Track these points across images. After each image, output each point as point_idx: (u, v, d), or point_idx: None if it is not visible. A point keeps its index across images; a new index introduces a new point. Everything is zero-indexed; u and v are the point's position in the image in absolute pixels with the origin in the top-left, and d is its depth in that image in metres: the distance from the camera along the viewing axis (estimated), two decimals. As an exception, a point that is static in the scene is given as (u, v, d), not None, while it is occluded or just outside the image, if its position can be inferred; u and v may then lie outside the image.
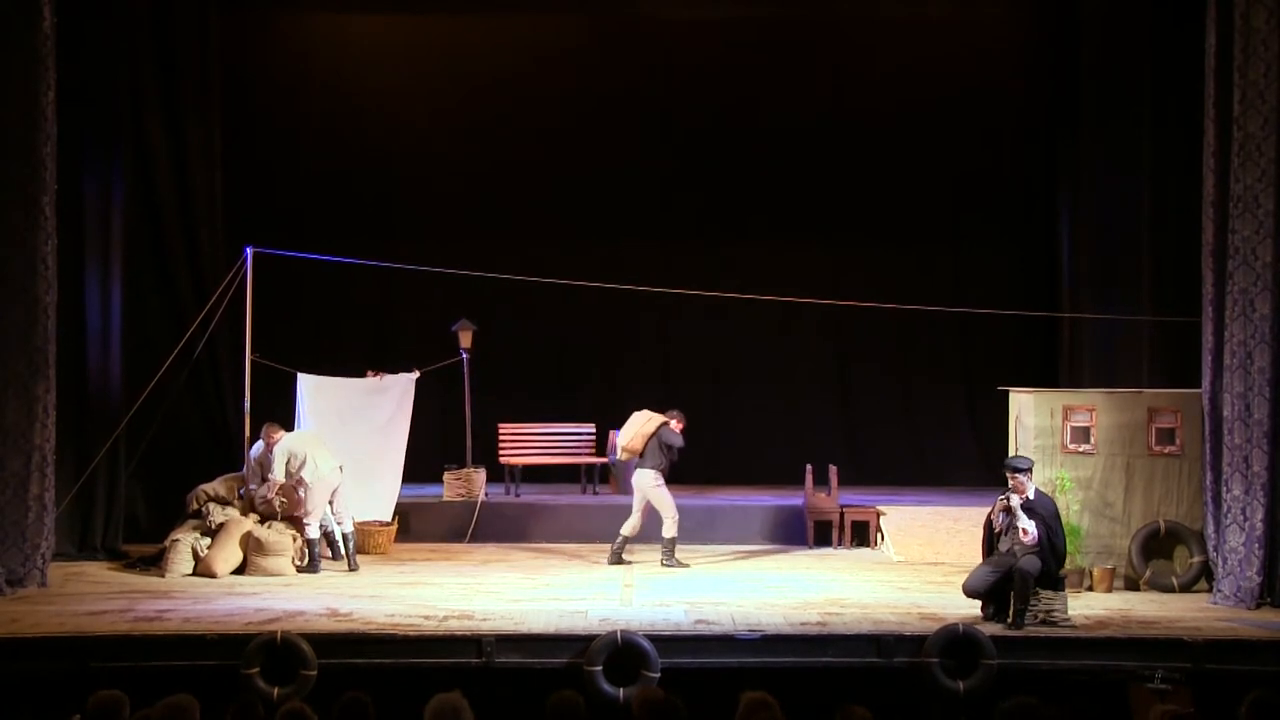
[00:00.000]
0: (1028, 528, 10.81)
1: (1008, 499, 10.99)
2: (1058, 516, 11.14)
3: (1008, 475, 11.10)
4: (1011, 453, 13.23)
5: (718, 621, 10.86)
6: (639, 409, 14.20)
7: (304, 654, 9.91)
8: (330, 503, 13.51)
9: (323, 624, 10.69)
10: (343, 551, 13.67)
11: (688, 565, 13.82)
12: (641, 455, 13.94)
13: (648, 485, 13.89)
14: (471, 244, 17.29)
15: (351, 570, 13.28)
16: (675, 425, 14.00)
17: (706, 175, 18.20)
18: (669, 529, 13.90)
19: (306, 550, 13.34)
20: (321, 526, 13.65)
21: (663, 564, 13.82)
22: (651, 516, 13.95)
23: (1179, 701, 9.81)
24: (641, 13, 18.00)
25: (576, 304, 17.22)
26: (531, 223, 17.93)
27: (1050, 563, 10.89)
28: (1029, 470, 11.14)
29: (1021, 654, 10.35)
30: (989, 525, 11.16)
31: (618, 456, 14.29)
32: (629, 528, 13.98)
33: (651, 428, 13.92)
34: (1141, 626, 10.91)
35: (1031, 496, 11.04)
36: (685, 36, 18.05)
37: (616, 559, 13.87)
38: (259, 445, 13.71)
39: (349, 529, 13.56)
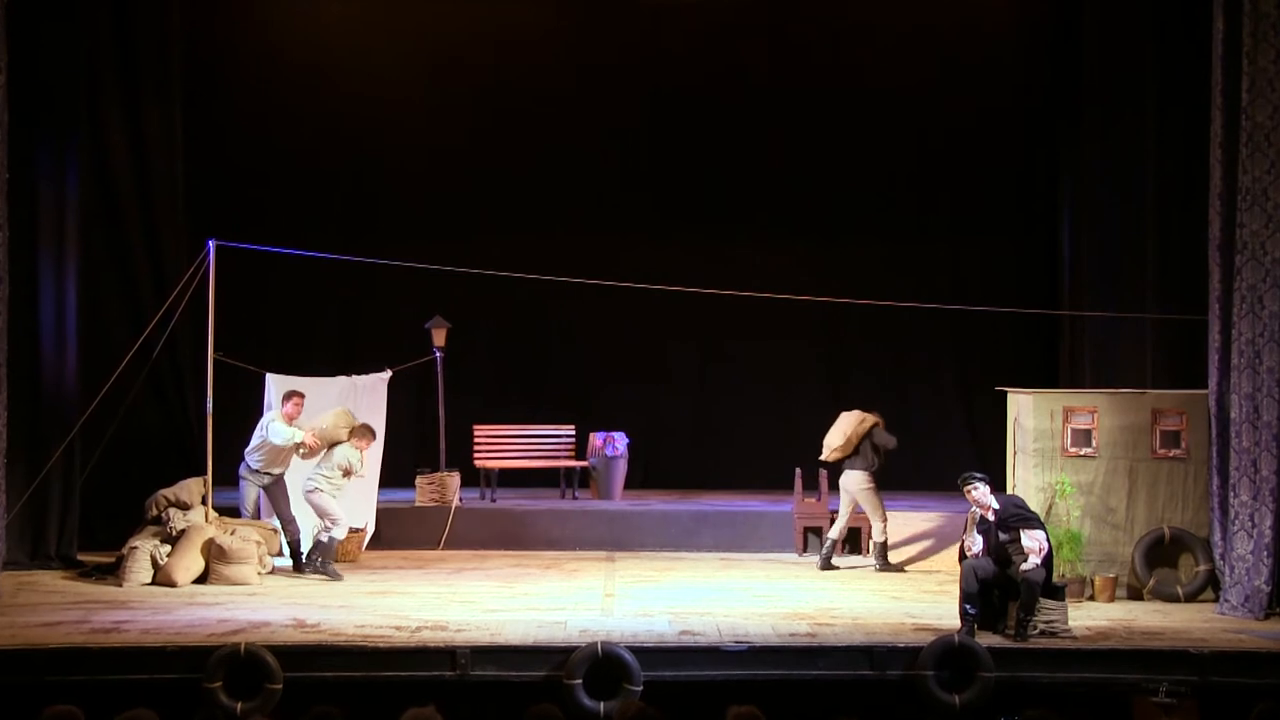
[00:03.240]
0: (1031, 545, 10.82)
1: (976, 515, 11.04)
2: (1027, 507, 11.20)
3: (966, 490, 11.09)
4: (1010, 456, 13.32)
5: (703, 632, 10.86)
6: (849, 409, 14.54)
7: (269, 667, 9.88)
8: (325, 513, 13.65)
9: (289, 635, 10.67)
10: (304, 563, 13.76)
11: (904, 569, 14.17)
12: (851, 456, 14.24)
13: (858, 487, 14.19)
14: (446, 238, 17.28)
15: (333, 579, 13.29)
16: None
17: (693, 168, 18.19)
18: (878, 533, 14.26)
19: (321, 551, 13.46)
20: (290, 534, 13.75)
21: (877, 569, 14.16)
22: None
23: (1185, 715, 9.88)
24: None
25: (556, 301, 17.19)
26: (509, 215, 17.92)
27: (1050, 565, 10.95)
28: (984, 479, 11.13)
29: (1020, 666, 10.39)
30: (964, 556, 11.11)
31: (823, 457, 14.50)
32: (836, 531, 14.37)
33: (865, 428, 14.22)
34: (1145, 637, 10.96)
35: (998, 506, 11.07)
36: (670, 21, 18.00)
37: (827, 565, 14.23)
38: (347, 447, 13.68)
39: (339, 535, 13.63)
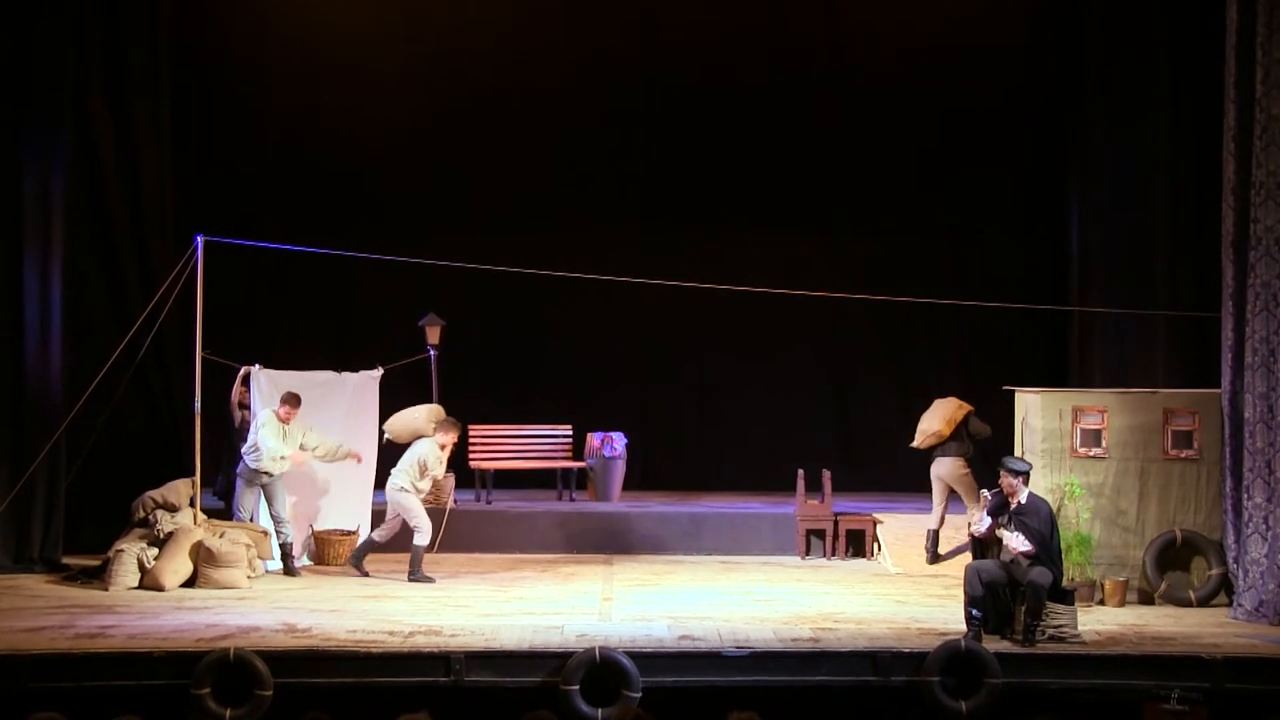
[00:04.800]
0: (1017, 545, 10.87)
1: (988, 500, 11.18)
2: (1052, 521, 11.17)
3: (1002, 473, 11.22)
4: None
5: (703, 637, 10.85)
6: (942, 396, 14.80)
7: (259, 672, 9.87)
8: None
9: (279, 640, 10.64)
10: (295, 565, 13.85)
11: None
12: (945, 443, 14.45)
13: (955, 473, 14.40)
14: (440, 232, 17.22)
15: (424, 582, 13.38)
16: None
17: (692, 161, 18.18)
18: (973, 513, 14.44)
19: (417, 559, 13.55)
20: (282, 536, 13.77)
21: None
22: None
23: (1196, 723, 9.88)
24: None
25: (553, 298, 17.19)
26: (504, 209, 17.90)
27: (1055, 572, 10.95)
28: (1025, 475, 11.18)
29: (1028, 672, 10.38)
30: (973, 536, 11.41)
31: (915, 443, 14.65)
32: (935, 520, 14.56)
33: (962, 415, 14.42)
34: (1156, 643, 10.94)
35: (1024, 500, 11.11)
36: (669, 12, 18.02)
37: (934, 558, 14.51)
38: (429, 442, 13.68)
39: (423, 542, 13.63)
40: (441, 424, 13.76)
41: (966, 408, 14.49)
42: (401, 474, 13.58)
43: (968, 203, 18.27)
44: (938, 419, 14.45)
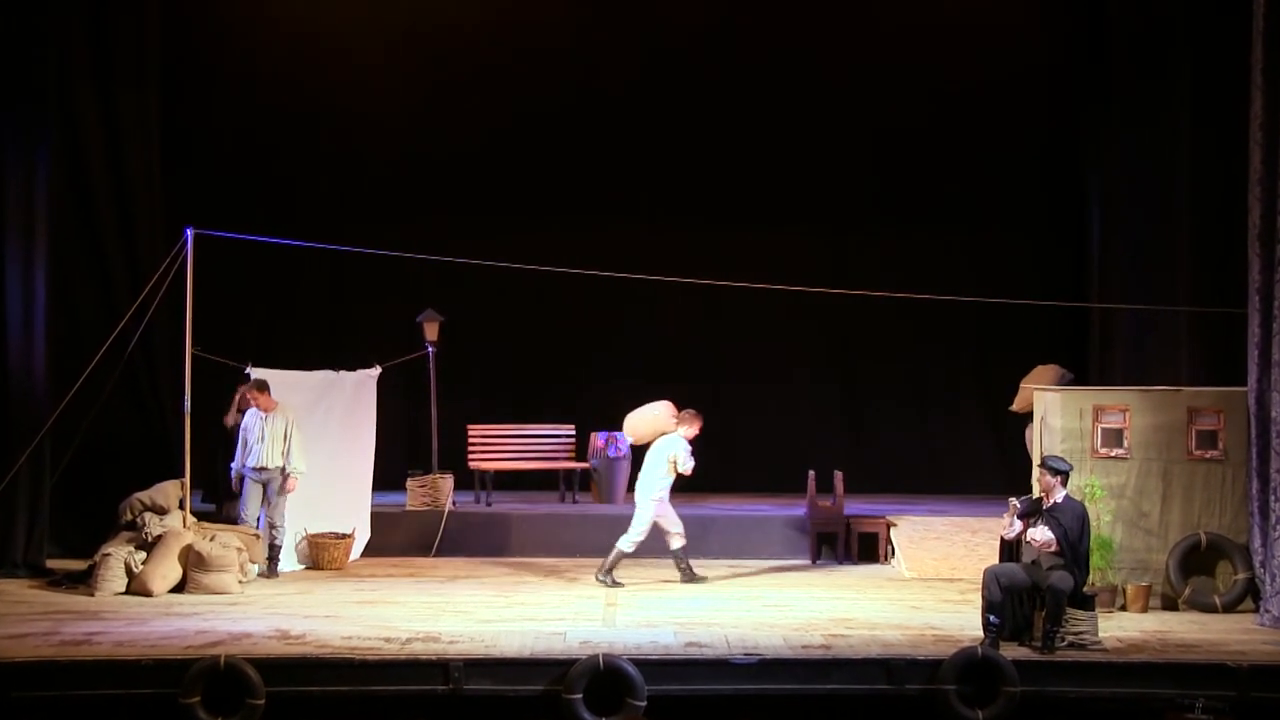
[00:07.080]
0: (1036, 536, 10.90)
1: (1017, 508, 11.25)
2: (1084, 521, 11.15)
3: (1042, 471, 11.26)
4: (1036, 459, 13.28)
5: (710, 644, 10.84)
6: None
7: (251, 681, 9.87)
8: None
9: (272, 647, 10.64)
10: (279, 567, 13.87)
11: None
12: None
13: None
14: (438, 227, 17.23)
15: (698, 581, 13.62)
16: None
17: (699, 151, 18.17)
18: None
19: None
20: (274, 537, 13.82)
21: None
22: None
23: (1222, 733, 9.86)
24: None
25: (554, 294, 17.19)
26: (503, 204, 17.91)
27: (1078, 577, 10.93)
28: (1064, 474, 11.19)
29: (1047, 680, 10.37)
30: (1003, 539, 11.41)
31: (1015, 407, 14.69)
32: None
33: (1065, 381, 14.39)
34: (1180, 650, 10.93)
35: (1059, 500, 11.13)
36: (671, 6, 18.01)
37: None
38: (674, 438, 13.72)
39: (680, 544, 13.82)
40: (683, 417, 13.84)
41: (1070, 375, 14.52)
42: (653, 476, 13.66)
43: (985, 198, 18.28)
44: (1045, 385, 14.47)
